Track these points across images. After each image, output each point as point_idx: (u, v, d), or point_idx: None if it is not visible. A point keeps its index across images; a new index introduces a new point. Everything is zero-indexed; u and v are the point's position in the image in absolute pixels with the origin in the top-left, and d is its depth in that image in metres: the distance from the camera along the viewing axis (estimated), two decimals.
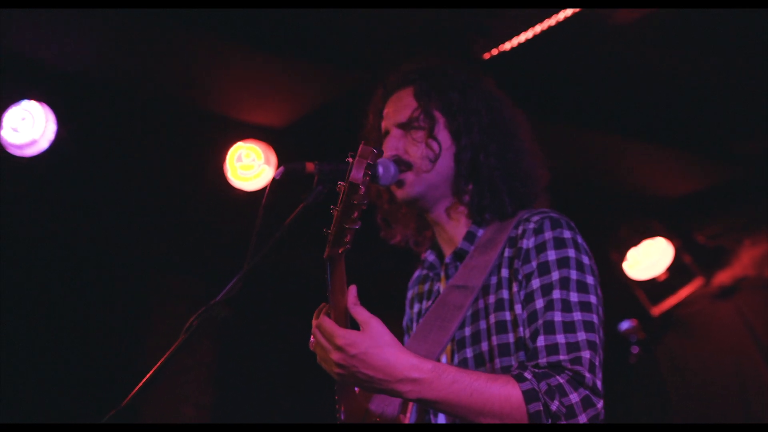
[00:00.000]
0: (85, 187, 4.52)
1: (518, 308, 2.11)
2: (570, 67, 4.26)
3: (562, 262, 2.08)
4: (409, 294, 2.56)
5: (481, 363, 2.14)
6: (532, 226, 2.15)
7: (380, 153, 1.96)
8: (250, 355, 5.46)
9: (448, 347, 2.23)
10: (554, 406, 1.90)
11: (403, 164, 2.27)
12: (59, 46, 4.06)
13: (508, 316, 2.12)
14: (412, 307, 2.53)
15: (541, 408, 1.89)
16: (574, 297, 2.04)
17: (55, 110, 4.10)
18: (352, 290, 1.96)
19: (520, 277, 2.12)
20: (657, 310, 5.66)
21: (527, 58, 4.06)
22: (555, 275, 2.07)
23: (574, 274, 2.07)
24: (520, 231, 2.17)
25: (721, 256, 5.47)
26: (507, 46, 4.01)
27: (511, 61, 4.06)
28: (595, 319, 2.04)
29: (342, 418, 2.07)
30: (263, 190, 1.99)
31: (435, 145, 2.28)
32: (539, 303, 2.05)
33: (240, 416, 5.32)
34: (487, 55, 4.06)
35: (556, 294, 2.04)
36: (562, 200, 2.40)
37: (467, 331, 2.18)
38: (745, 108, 4.54)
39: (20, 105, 4.07)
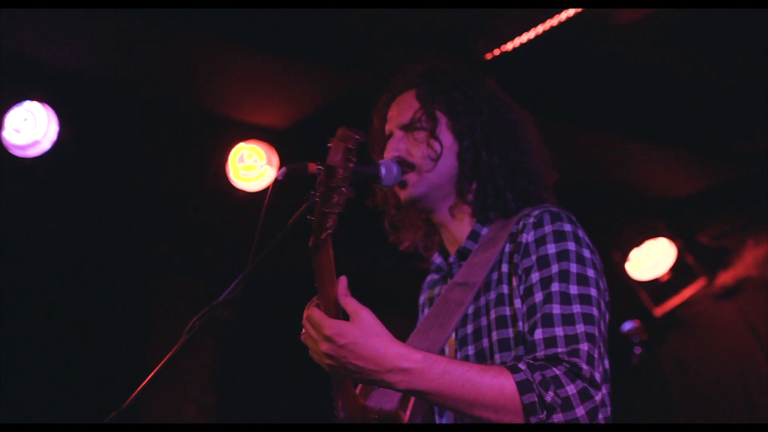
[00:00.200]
0: (87, 187, 4.52)
1: (518, 303, 2.09)
2: (572, 67, 4.26)
3: (562, 255, 2.05)
4: (421, 298, 2.56)
5: (482, 359, 2.13)
6: (531, 220, 2.14)
7: (363, 139, 1.95)
8: (251, 355, 5.46)
9: (452, 345, 2.23)
10: (549, 397, 1.86)
11: (405, 165, 2.27)
12: (62, 47, 4.07)
13: (507, 311, 2.10)
14: (423, 312, 2.53)
15: (536, 399, 1.85)
16: (574, 290, 2.01)
17: (58, 111, 4.11)
18: (343, 281, 1.94)
19: (519, 272, 2.10)
20: (660, 311, 5.66)
21: (529, 59, 4.06)
22: (554, 268, 2.04)
23: (574, 267, 2.04)
24: (520, 226, 2.16)
25: (723, 256, 5.47)
26: (509, 46, 4.01)
27: (513, 62, 4.06)
28: (594, 312, 2.00)
29: (341, 416, 2.06)
30: (265, 190, 1.98)
31: (437, 145, 2.28)
32: (538, 297, 2.03)
33: (242, 416, 5.32)
34: (488, 56, 4.06)
35: (555, 287, 2.01)
36: (564, 200, 2.39)
37: (469, 328, 2.17)
38: (749, 108, 4.53)
39: (22, 106, 4.08)
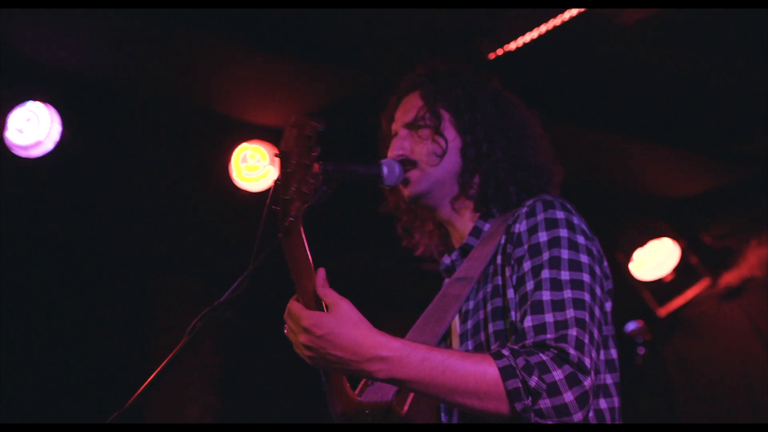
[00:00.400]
0: (89, 187, 4.52)
1: (510, 292, 2.06)
2: (575, 67, 4.25)
3: (553, 242, 2.02)
4: None
5: (480, 353, 2.11)
6: (524, 210, 2.11)
7: (322, 127, 1.96)
8: (253, 355, 5.46)
9: (454, 343, 2.22)
10: (533, 382, 1.82)
11: (408, 163, 2.28)
12: (65, 48, 4.07)
13: (501, 302, 2.08)
14: None
15: (520, 385, 1.82)
16: (565, 275, 1.97)
17: (60, 111, 4.11)
18: (321, 273, 1.93)
19: (512, 262, 2.07)
20: (663, 311, 5.65)
21: (532, 58, 4.06)
22: (545, 255, 2.00)
23: (565, 254, 2.00)
24: (515, 217, 2.14)
25: (727, 256, 5.45)
26: (512, 46, 4.01)
27: (516, 61, 4.05)
28: (586, 297, 1.96)
29: (337, 410, 2.02)
30: (268, 190, 1.97)
31: (441, 141, 2.29)
32: (529, 285, 1.99)
33: (244, 417, 5.32)
34: (492, 55, 4.06)
35: (546, 274, 1.97)
36: (567, 200, 2.38)
37: (469, 323, 2.15)
38: (753, 108, 4.52)
39: (25, 106, 4.08)
